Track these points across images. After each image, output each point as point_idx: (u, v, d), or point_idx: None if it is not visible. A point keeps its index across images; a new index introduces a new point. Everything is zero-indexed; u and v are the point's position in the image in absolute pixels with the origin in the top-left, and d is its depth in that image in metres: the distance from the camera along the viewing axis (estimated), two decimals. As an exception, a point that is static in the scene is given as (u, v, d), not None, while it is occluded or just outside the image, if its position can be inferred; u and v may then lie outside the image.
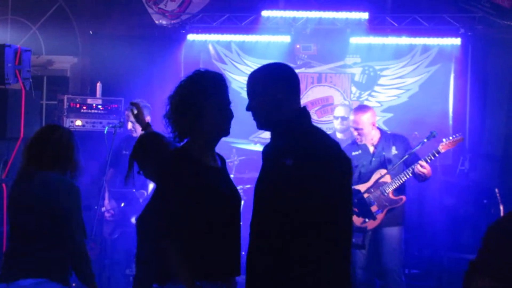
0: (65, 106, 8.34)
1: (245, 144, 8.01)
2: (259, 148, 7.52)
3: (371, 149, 6.53)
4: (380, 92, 9.43)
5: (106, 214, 7.49)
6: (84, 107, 8.38)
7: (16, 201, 4.30)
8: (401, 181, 6.33)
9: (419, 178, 6.32)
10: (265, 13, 9.22)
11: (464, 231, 8.35)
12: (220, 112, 3.52)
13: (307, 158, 3.21)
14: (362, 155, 6.53)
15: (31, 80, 6.68)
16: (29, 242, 4.14)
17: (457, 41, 9.07)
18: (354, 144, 6.63)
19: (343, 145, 3.96)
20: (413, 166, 6.25)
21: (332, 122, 8.23)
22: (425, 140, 6.40)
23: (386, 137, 6.57)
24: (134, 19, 9.85)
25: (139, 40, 9.70)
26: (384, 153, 6.45)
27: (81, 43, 10.20)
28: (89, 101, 8.45)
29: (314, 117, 9.32)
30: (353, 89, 9.51)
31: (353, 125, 6.54)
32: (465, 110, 9.16)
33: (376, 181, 6.37)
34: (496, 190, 7.50)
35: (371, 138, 6.51)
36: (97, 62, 9.79)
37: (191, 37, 9.48)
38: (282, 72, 3.44)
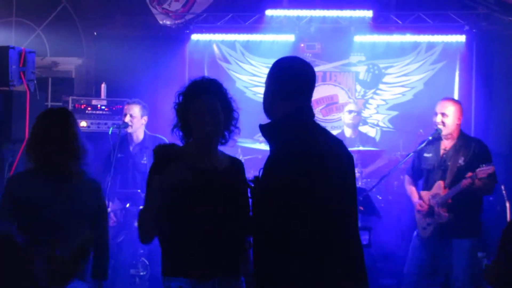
0: (70, 108, 8.34)
1: (250, 143, 8.01)
2: (265, 147, 7.51)
3: (441, 153, 6.31)
4: (385, 90, 9.43)
5: (111, 221, 7.48)
6: (89, 108, 8.39)
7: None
8: (448, 197, 6.09)
9: (478, 193, 6.10)
10: (269, 12, 9.22)
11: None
12: (203, 116, 3.65)
13: (281, 154, 3.25)
14: (432, 159, 6.36)
15: (35, 82, 6.68)
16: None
17: (461, 38, 9.06)
18: (429, 145, 6.43)
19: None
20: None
21: (337, 121, 8.28)
22: (430, 138, 6.38)
23: (462, 145, 6.23)
24: (138, 20, 9.85)
25: (143, 41, 9.70)
26: (448, 163, 6.20)
27: (85, 44, 10.21)
28: (94, 102, 8.46)
29: (319, 116, 9.31)
30: (358, 87, 9.50)
31: (440, 109, 6.28)
32: (470, 107, 9.13)
33: (435, 192, 6.22)
34: (502, 187, 7.46)
35: (451, 134, 6.25)
36: (102, 63, 9.79)
37: (195, 37, 9.48)
38: (285, 65, 3.42)
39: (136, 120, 7.35)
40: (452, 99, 6.54)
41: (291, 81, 3.34)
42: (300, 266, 3.09)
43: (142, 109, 7.38)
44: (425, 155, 6.38)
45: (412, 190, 6.58)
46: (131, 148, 7.48)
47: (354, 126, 8.24)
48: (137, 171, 7.41)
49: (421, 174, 6.50)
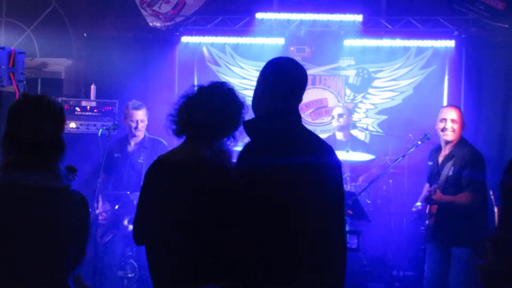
0: (59, 109, 8.31)
1: (240, 146, 7.99)
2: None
3: (440, 159, 6.34)
4: (374, 94, 9.45)
5: (100, 217, 7.47)
6: (78, 109, 8.37)
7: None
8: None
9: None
10: (259, 15, 9.22)
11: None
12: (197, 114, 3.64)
13: (247, 147, 3.39)
14: (432, 167, 6.40)
15: (25, 83, 6.65)
16: None
17: (451, 43, 9.09)
18: (433, 151, 6.47)
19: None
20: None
21: (327, 125, 8.29)
22: (419, 142, 6.41)
23: (457, 152, 6.24)
24: (128, 22, 9.84)
25: (133, 43, 9.69)
26: (442, 171, 6.23)
27: (75, 45, 10.18)
28: (83, 103, 8.44)
29: (308, 119, 9.33)
30: (347, 91, 9.52)
31: (449, 116, 6.28)
32: (459, 112, 9.18)
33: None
34: (491, 192, 7.49)
35: (454, 140, 6.27)
36: (92, 64, 9.77)
37: (185, 39, 9.47)
38: (279, 65, 3.42)
39: (144, 124, 7.42)
40: (458, 107, 6.51)
41: (282, 81, 3.34)
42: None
43: (146, 112, 7.44)
44: (429, 163, 6.41)
45: (422, 194, 6.60)
46: (129, 148, 7.50)
47: (344, 129, 8.26)
48: (133, 170, 7.44)
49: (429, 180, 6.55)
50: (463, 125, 6.29)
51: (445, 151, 6.28)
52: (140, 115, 7.39)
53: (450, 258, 6.14)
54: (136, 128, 7.40)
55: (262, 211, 3.14)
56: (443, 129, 6.24)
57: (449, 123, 6.23)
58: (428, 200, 6.08)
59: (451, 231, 6.09)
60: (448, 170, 6.09)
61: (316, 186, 3.19)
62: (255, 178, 3.18)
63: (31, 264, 3.08)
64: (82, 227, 3.26)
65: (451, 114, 6.27)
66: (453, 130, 6.23)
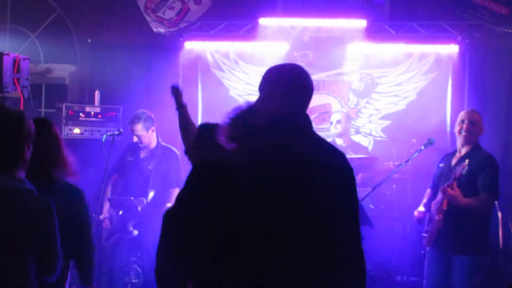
0: (64, 114, 8.34)
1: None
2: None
3: (453, 162, 6.26)
4: (377, 99, 9.46)
5: (103, 224, 7.51)
6: (83, 115, 8.39)
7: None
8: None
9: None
10: (262, 21, 9.23)
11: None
12: None
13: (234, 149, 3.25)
14: (443, 168, 6.33)
15: (29, 88, 6.68)
16: None
17: (454, 48, 9.09)
18: (448, 155, 6.42)
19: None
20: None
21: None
22: (423, 148, 6.41)
23: (472, 154, 6.16)
24: (132, 28, 9.86)
25: (137, 48, 9.70)
26: (454, 171, 6.11)
27: (79, 51, 10.21)
28: (88, 109, 8.46)
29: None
30: (351, 96, 9.53)
31: (469, 118, 6.21)
32: (463, 117, 9.18)
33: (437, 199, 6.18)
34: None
35: (471, 143, 6.19)
36: (96, 70, 9.79)
37: (189, 45, 9.48)
38: (272, 72, 3.27)
39: (143, 136, 7.43)
40: (478, 111, 6.42)
41: (278, 88, 3.20)
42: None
43: (144, 124, 7.40)
44: (440, 165, 6.37)
45: (424, 199, 6.56)
46: (141, 154, 7.54)
47: (343, 135, 8.25)
48: (142, 176, 7.47)
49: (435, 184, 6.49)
50: (481, 129, 6.24)
51: (460, 153, 6.23)
52: (137, 130, 7.40)
53: (450, 265, 6.06)
54: (138, 141, 7.45)
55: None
56: (461, 131, 6.21)
57: (467, 125, 6.17)
58: (444, 192, 5.97)
59: (455, 237, 5.99)
60: (461, 169, 6.01)
61: (327, 195, 3.02)
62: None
63: None
64: (36, 228, 3.35)
65: (471, 116, 6.23)
66: (470, 131, 6.16)
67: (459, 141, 6.25)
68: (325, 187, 3.02)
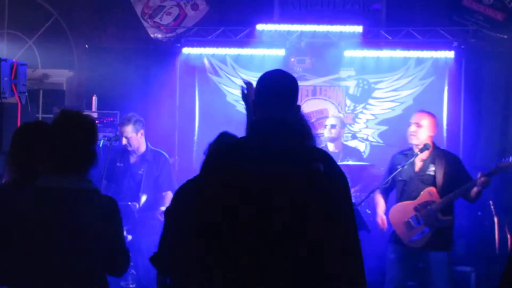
0: (61, 120, 8.34)
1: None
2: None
3: (418, 164, 6.39)
4: (374, 105, 9.48)
5: None
6: (80, 121, 8.38)
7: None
8: (450, 201, 6.20)
9: (471, 198, 6.21)
10: (259, 26, 9.26)
11: (457, 243, 8.37)
12: None
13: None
14: (408, 170, 6.41)
15: (27, 94, 6.69)
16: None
17: (450, 54, 9.12)
18: (402, 154, 6.56)
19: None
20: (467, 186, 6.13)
21: (327, 135, 8.27)
22: (419, 153, 6.42)
23: (438, 155, 6.37)
24: (129, 33, 9.89)
25: (135, 54, 9.72)
26: (430, 172, 6.30)
27: (77, 56, 10.24)
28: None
29: (308, 130, 9.32)
30: (348, 102, 9.55)
31: (415, 119, 6.40)
32: (459, 123, 9.21)
33: (425, 200, 6.27)
34: (491, 202, 7.52)
35: (423, 143, 6.32)
36: (93, 75, 9.82)
37: (186, 50, 9.51)
38: (261, 79, 3.33)
39: (133, 139, 7.37)
40: (428, 112, 6.56)
41: (264, 93, 3.25)
42: None
43: (133, 127, 7.37)
44: (399, 167, 6.44)
45: (379, 203, 6.71)
46: (131, 160, 7.52)
47: (336, 140, 8.22)
48: (133, 181, 7.46)
49: (394, 186, 6.60)
50: (431, 130, 6.38)
51: (422, 155, 6.35)
52: (126, 132, 7.36)
53: (427, 264, 6.38)
54: (127, 143, 7.41)
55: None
56: (409, 132, 6.39)
57: (413, 127, 6.37)
58: (485, 184, 6.10)
59: (435, 236, 6.23)
60: (443, 169, 6.22)
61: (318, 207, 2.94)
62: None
63: (61, 259, 3.38)
64: (106, 226, 3.47)
65: (417, 119, 6.40)
66: (416, 133, 6.35)
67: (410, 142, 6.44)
68: (304, 197, 2.91)
